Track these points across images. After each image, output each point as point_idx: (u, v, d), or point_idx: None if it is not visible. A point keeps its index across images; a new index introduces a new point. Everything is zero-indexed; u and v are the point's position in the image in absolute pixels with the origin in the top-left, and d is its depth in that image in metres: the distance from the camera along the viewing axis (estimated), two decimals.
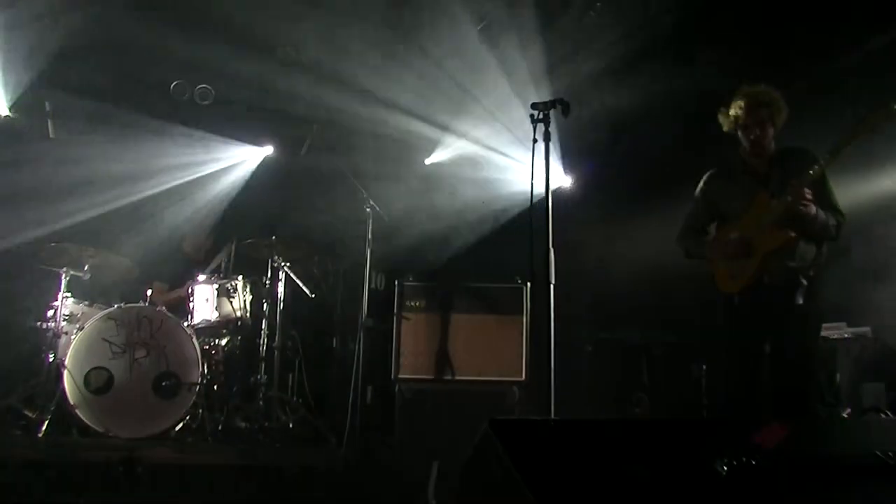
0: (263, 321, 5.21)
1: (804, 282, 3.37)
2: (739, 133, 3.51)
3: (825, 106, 4.47)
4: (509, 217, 6.66)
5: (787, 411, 3.29)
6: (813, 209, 3.28)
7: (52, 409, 4.41)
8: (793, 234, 3.32)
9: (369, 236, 4.63)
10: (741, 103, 3.44)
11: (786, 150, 3.51)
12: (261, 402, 4.97)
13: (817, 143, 3.38)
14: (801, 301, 3.36)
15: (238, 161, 6.70)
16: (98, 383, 4.54)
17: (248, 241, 5.31)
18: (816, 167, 3.26)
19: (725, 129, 3.57)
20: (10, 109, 5.68)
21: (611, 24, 5.45)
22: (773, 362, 3.43)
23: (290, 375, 5.42)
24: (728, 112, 3.51)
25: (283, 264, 5.24)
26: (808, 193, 3.24)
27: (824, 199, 3.39)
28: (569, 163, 6.63)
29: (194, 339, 4.81)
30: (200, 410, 4.74)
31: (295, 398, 5.31)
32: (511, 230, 6.52)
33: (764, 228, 3.38)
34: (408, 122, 6.24)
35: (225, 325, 5.13)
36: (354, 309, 4.81)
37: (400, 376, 4.75)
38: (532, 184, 3.12)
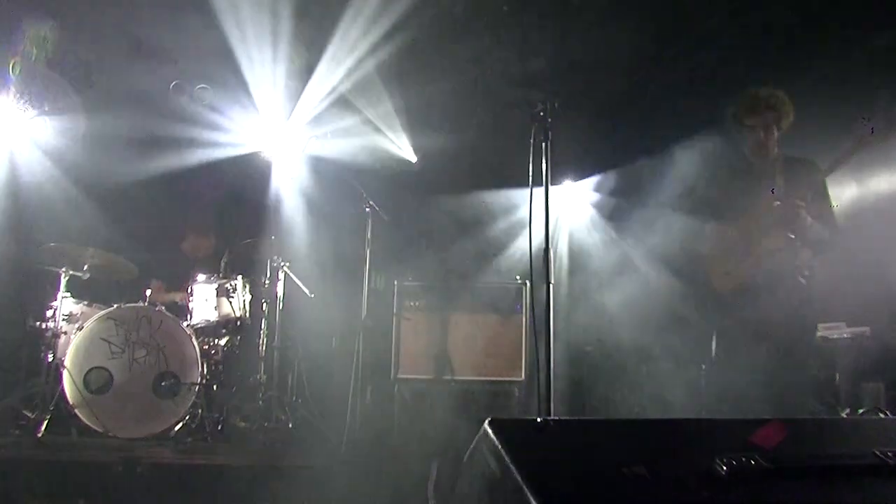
0: (263, 321, 5.22)
1: (802, 281, 3.37)
2: (744, 133, 3.50)
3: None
4: (509, 217, 6.65)
5: (786, 411, 3.29)
6: (802, 223, 3.28)
7: (52, 409, 4.40)
8: (792, 237, 3.32)
9: (369, 236, 4.62)
10: (748, 104, 3.44)
11: (792, 159, 3.50)
12: (261, 402, 4.97)
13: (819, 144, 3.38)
14: (797, 302, 3.36)
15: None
16: (97, 383, 4.54)
17: (248, 240, 5.30)
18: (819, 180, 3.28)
19: (731, 128, 3.57)
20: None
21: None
22: (769, 362, 3.43)
23: (290, 375, 5.42)
24: (734, 112, 3.51)
25: (282, 264, 5.24)
26: (801, 207, 3.25)
27: (823, 212, 3.39)
28: (569, 162, 6.62)
29: (194, 339, 4.81)
30: (200, 410, 4.73)
31: (295, 398, 5.31)
32: (511, 230, 6.51)
33: (764, 229, 3.37)
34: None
35: (224, 325, 5.12)
36: (354, 309, 4.81)
37: (400, 376, 4.76)
38: (531, 183, 3.12)
